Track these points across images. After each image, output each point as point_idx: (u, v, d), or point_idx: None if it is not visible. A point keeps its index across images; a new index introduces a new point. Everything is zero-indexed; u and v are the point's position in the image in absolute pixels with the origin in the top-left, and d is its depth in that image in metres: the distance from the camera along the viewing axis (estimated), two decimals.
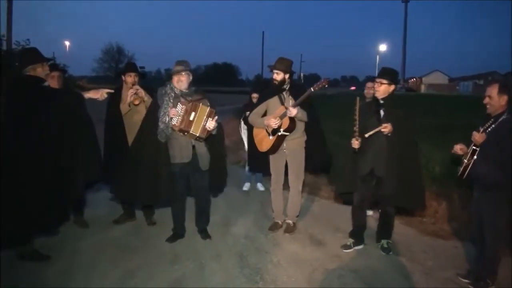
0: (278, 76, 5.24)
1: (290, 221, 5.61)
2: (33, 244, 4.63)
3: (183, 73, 4.85)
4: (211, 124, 4.78)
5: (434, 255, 4.88)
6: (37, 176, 4.16)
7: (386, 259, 4.79)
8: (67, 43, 68.57)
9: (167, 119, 4.78)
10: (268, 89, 5.53)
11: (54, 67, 5.29)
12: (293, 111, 5.05)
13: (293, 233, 5.53)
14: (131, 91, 5.23)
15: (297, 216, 5.72)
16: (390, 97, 4.78)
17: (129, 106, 5.30)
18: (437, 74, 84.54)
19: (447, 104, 21.70)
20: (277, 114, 5.24)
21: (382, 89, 4.74)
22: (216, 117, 4.86)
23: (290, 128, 5.21)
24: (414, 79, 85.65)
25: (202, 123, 4.76)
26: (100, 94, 4.55)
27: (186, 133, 4.78)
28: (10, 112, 4.21)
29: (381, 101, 4.77)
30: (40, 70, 4.42)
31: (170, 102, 4.83)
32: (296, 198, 5.56)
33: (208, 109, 4.81)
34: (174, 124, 4.76)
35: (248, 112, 5.91)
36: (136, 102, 5.25)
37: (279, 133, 5.24)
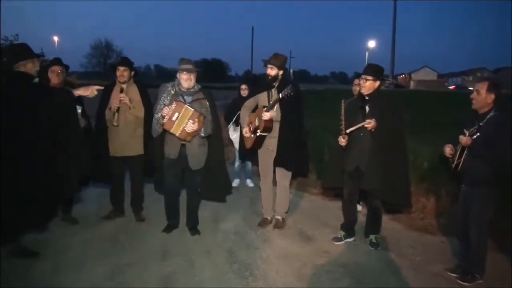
0: (272, 71, 5.26)
1: (279, 217, 5.63)
2: (21, 241, 4.61)
3: (185, 72, 4.86)
4: (190, 126, 4.74)
5: (422, 250, 4.93)
6: (25, 172, 4.13)
7: (375, 254, 4.83)
8: (55, 38, 68.09)
9: (159, 115, 4.80)
10: (260, 83, 5.55)
11: (58, 61, 5.26)
12: (265, 115, 5.12)
13: (282, 228, 5.55)
14: (115, 101, 5.26)
15: (286, 212, 5.74)
16: (375, 93, 4.82)
17: (113, 115, 5.31)
18: (426, 70, 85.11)
19: (436, 100, 21.86)
20: (257, 114, 5.32)
21: (368, 85, 4.78)
22: (198, 120, 4.78)
23: (267, 129, 5.25)
24: (403, 75, 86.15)
25: (182, 126, 4.76)
26: (90, 91, 4.53)
27: (168, 132, 4.82)
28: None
29: (366, 97, 4.81)
30: (30, 66, 4.34)
31: (166, 99, 4.86)
32: (284, 195, 5.58)
33: (191, 111, 4.76)
34: (163, 123, 4.79)
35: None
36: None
37: (257, 134, 5.30)
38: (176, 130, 4.77)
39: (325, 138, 9.22)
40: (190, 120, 4.74)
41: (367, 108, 4.79)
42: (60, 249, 4.77)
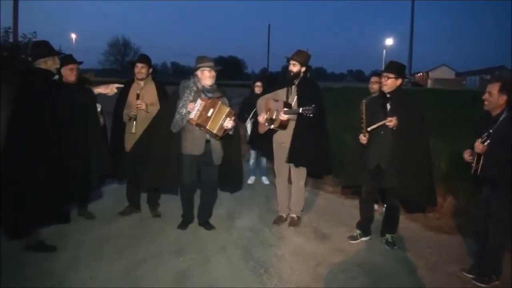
0: (295, 67, 5.26)
1: (294, 215, 5.62)
2: (39, 235, 4.67)
3: (208, 69, 4.91)
4: (229, 123, 4.86)
5: (438, 250, 4.88)
6: (43, 168, 4.19)
7: (390, 253, 4.80)
8: (73, 36, 68.71)
9: (184, 111, 4.83)
10: (281, 79, 5.56)
11: (71, 59, 5.29)
12: (283, 116, 5.14)
13: (298, 226, 5.54)
14: (133, 109, 5.31)
15: (302, 210, 5.73)
16: (397, 91, 4.78)
17: (131, 122, 5.36)
18: (444, 69, 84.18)
19: (454, 99, 21.62)
20: (276, 107, 5.32)
21: (389, 83, 4.74)
22: (234, 118, 4.93)
23: (282, 126, 5.26)
24: (421, 73, 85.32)
25: (220, 122, 4.82)
26: (110, 89, 4.57)
27: (202, 128, 4.83)
28: (20, 104, 4.24)
29: (388, 95, 4.77)
30: (51, 63, 4.44)
31: (190, 95, 4.89)
32: (299, 193, 5.58)
33: (227, 109, 4.87)
34: (191, 118, 4.81)
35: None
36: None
37: (270, 127, 5.33)
38: (213, 126, 4.80)
39: (342, 136, 9.19)
40: (228, 118, 4.83)
41: (388, 106, 4.75)
42: (76, 243, 4.82)
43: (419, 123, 4.77)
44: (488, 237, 4.12)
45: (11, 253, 4.46)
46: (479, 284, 4.11)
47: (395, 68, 4.79)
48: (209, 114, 4.77)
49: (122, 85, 4.85)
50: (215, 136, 4.90)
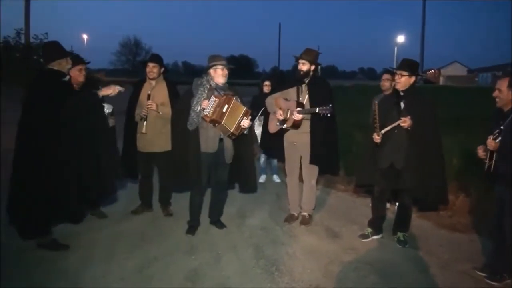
0: (304, 66, 5.26)
1: (306, 214, 5.62)
2: (52, 234, 4.72)
3: (221, 67, 4.92)
4: (245, 123, 4.85)
5: (450, 249, 4.85)
6: (56, 168, 4.25)
7: (402, 252, 4.78)
8: (84, 36, 69.18)
9: (199, 108, 4.85)
10: (290, 78, 5.55)
11: (79, 59, 5.31)
12: (297, 116, 5.13)
13: (309, 225, 5.54)
14: (143, 109, 5.35)
15: (313, 209, 5.73)
16: (410, 89, 4.75)
17: (142, 122, 5.40)
18: (456, 66, 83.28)
19: (465, 96, 21.43)
20: (288, 106, 5.31)
21: (403, 81, 4.71)
22: (250, 117, 4.92)
23: (295, 126, 5.26)
24: (433, 70, 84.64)
25: (237, 121, 4.81)
26: (112, 90, 4.60)
27: (217, 124, 4.83)
28: (34, 104, 4.29)
29: (402, 93, 4.74)
30: (64, 64, 4.52)
31: (204, 93, 4.92)
32: (310, 192, 5.57)
33: (244, 108, 4.85)
34: (206, 115, 4.81)
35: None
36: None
37: (283, 127, 5.34)
38: (229, 123, 4.78)
39: (354, 135, 9.17)
40: (245, 117, 4.83)
41: (402, 105, 4.73)
42: (89, 242, 4.86)
43: (432, 122, 4.74)
44: (501, 235, 4.09)
45: (24, 253, 4.51)
46: (491, 282, 4.08)
47: (408, 65, 4.75)
48: (224, 110, 4.76)
49: (123, 89, 4.84)
50: (231, 134, 4.88)
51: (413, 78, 4.75)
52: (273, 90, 6.16)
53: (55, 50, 4.54)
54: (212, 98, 4.82)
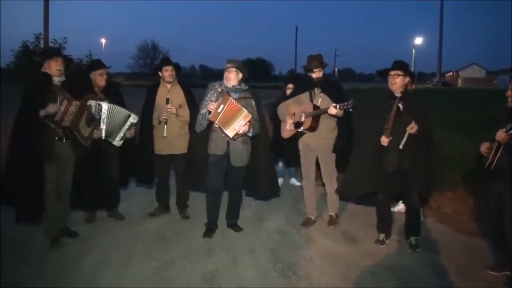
0: (320, 72, 5.31)
1: (333, 213, 5.63)
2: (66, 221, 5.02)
3: (230, 70, 4.93)
4: (241, 128, 4.76)
5: (470, 254, 4.77)
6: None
7: (421, 256, 4.72)
8: (103, 41, 70.11)
9: (205, 111, 4.87)
10: (302, 84, 5.56)
11: (100, 64, 5.39)
12: (334, 110, 5.05)
13: (337, 224, 5.57)
14: (163, 114, 5.39)
15: (338, 208, 5.73)
16: (405, 90, 4.75)
17: (162, 126, 5.44)
18: (474, 68, 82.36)
19: (482, 98, 21.13)
20: (303, 109, 5.33)
21: (399, 81, 4.69)
22: (250, 123, 4.81)
23: (312, 128, 5.26)
24: (451, 73, 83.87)
25: (233, 123, 4.75)
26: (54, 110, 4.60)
27: (216, 126, 4.84)
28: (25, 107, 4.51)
29: (399, 94, 4.71)
30: (53, 66, 4.63)
31: (213, 96, 4.93)
32: (333, 192, 5.55)
33: (244, 112, 4.74)
34: (209, 117, 4.84)
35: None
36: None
37: (299, 130, 5.34)
38: (222, 123, 4.77)
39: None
40: (242, 121, 4.74)
41: (400, 106, 4.68)
42: (107, 244, 4.91)
43: (428, 120, 4.74)
44: (500, 235, 4.15)
45: (43, 254, 4.58)
46: (490, 272, 4.22)
47: (401, 66, 4.76)
48: (219, 110, 4.75)
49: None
50: (228, 136, 4.86)
51: (407, 78, 4.74)
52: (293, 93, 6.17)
53: (43, 53, 4.69)
54: (220, 100, 4.83)
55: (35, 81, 4.69)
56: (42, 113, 4.41)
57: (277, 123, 5.83)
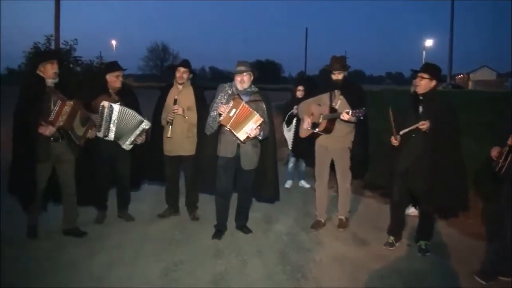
0: (340, 75, 5.30)
1: (343, 217, 5.62)
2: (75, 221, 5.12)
3: (240, 73, 4.92)
4: (252, 131, 4.74)
5: (479, 258, 4.71)
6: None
7: (431, 260, 4.69)
8: (113, 42, 70.51)
9: (215, 113, 4.87)
10: (325, 84, 5.58)
11: (117, 66, 5.44)
12: (345, 116, 5.05)
13: (347, 228, 5.56)
14: (170, 114, 5.41)
15: (349, 211, 5.72)
16: (430, 93, 4.69)
17: (168, 126, 5.46)
18: (485, 70, 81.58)
19: (491, 101, 20.97)
20: (320, 111, 5.33)
21: (423, 84, 4.66)
22: (260, 127, 4.79)
23: (327, 130, 5.26)
24: (461, 75, 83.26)
25: (245, 127, 4.74)
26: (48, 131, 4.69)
27: (228, 129, 4.83)
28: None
29: (421, 97, 4.68)
30: (49, 68, 4.71)
31: (224, 98, 4.93)
32: (346, 195, 5.57)
33: (255, 116, 4.72)
34: (220, 120, 4.83)
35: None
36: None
37: (315, 131, 5.35)
38: (234, 127, 4.75)
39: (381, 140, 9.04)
40: (254, 124, 4.72)
41: (420, 109, 4.67)
42: (116, 244, 4.93)
43: (451, 127, 4.65)
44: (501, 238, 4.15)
45: (52, 253, 4.62)
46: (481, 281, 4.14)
47: (430, 69, 4.71)
48: (231, 114, 4.74)
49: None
50: (239, 140, 4.85)
51: (433, 83, 4.69)
52: (307, 95, 6.17)
53: (39, 55, 4.72)
54: (230, 103, 4.81)
55: (29, 84, 4.80)
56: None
57: (298, 121, 5.86)
